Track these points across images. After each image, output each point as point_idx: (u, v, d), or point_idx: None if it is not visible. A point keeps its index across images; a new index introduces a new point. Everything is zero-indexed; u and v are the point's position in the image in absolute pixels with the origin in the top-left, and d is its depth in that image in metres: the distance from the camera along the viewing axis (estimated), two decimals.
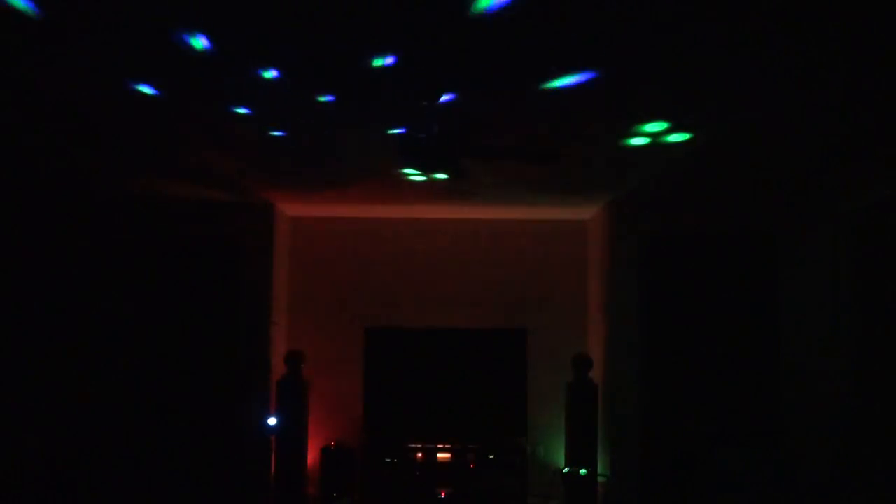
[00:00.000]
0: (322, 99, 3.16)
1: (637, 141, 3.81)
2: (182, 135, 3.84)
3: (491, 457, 6.01)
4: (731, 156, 4.07)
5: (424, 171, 4.40)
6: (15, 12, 2.33)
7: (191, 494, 5.83)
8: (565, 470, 5.64)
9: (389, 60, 2.67)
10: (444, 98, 3.02)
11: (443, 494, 5.91)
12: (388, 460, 5.99)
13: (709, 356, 5.42)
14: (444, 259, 6.61)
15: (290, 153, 4.25)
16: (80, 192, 5.51)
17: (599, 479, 5.73)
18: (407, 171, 4.61)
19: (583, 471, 5.52)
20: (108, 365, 5.82)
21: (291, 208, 6.24)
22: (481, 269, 6.60)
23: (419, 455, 6.04)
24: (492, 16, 2.26)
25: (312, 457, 6.09)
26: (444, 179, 4.76)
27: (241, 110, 3.36)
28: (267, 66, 2.77)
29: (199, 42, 2.52)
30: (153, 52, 2.67)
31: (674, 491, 5.43)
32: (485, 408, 6.29)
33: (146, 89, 3.08)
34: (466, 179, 4.30)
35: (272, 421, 5.77)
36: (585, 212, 6.27)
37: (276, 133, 3.77)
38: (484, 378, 6.33)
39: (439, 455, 6.05)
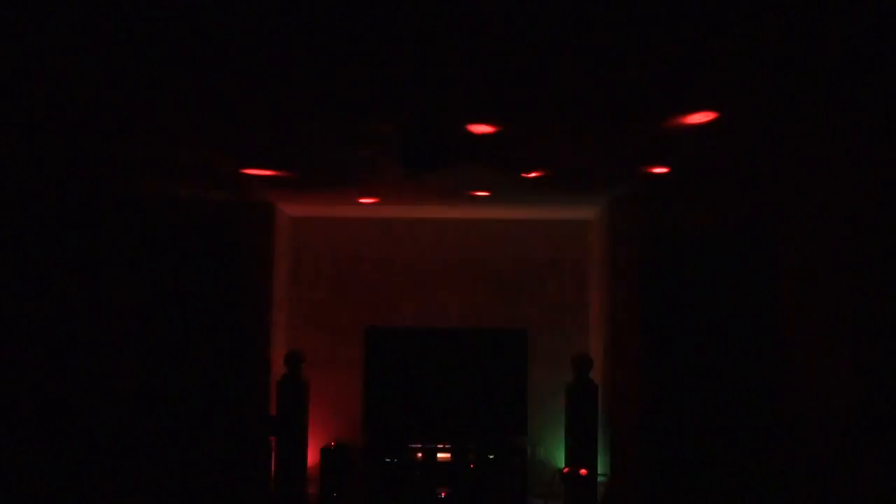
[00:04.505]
0: None
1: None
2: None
3: (491, 457, 6.01)
4: (731, 150, 4.07)
5: (424, 171, 4.40)
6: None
7: (191, 494, 5.83)
8: (565, 470, 5.64)
9: None
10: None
11: (443, 494, 5.91)
12: (388, 460, 5.99)
13: (709, 355, 5.42)
14: (444, 259, 6.61)
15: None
16: (80, 191, 5.51)
17: (599, 479, 5.72)
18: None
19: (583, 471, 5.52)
20: (108, 365, 5.83)
21: (291, 208, 6.24)
22: (481, 269, 6.61)
23: (419, 455, 6.04)
24: None
25: (312, 457, 6.09)
26: (443, 178, 4.76)
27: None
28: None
29: None
30: None
31: (673, 491, 5.43)
32: (485, 408, 6.30)
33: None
34: (466, 179, 4.31)
35: (272, 421, 5.77)
36: (585, 212, 6.27)
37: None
38: (484, 378, 6.33)
39: (439, 455, 6.05)
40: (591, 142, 3.86)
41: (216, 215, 5.95)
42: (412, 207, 6.08)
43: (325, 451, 5.98)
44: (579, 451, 5.69)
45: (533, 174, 4.63)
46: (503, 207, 6.04)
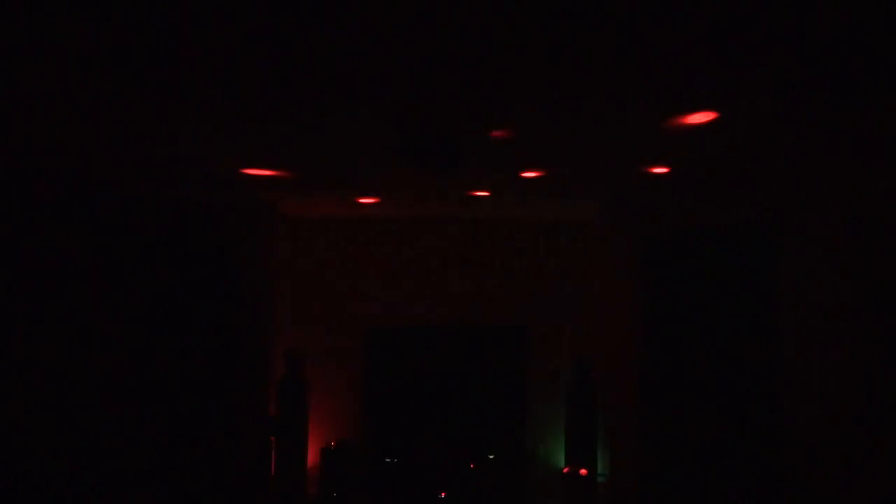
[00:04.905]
0: None
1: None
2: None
3: (491, 457, 6.01)
4: (731, 150, 4.07)
5: (425, 170, 4.40)
6: None
7: (191, 494, 5.83)
8: (565, 470, 5.64)
9: None
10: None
11: (443, 494, 5.91)
12: (388, 460, 5.99)
13: (709, 355, 5.42)
14: (444, 259, 6.61)
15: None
16: (79, 191, 5.51)
17: (599, 479, 5.72)
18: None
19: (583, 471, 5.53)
20: (107, 365, 5.82)
21: (291, 208, 6.24)
22: (481, 269, 6.61)
23: (419, 455, 6.04)
24: None
25: (312, 457, 6.09)
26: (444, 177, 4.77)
27: None
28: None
29: None
30: None
31: (673, 491, 5.42)
32: (485, 408, 6.30)
33: None
34: (466, 178, 4.30)
35: (272, 420, 5.78)
36: (585, 212, 6.27)
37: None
38: (484, 378, 6.33)
39: (439, 455, 6.05)
40: (592, 142, 3.85)
41: (216, 215, 5.95)
42: (412, 207, 6.07)
43: (325, 451, 5.98)
44: (579, 451, 5.69)
45: (533, 174, 4.63)
46: (503, 207, 6.04)
